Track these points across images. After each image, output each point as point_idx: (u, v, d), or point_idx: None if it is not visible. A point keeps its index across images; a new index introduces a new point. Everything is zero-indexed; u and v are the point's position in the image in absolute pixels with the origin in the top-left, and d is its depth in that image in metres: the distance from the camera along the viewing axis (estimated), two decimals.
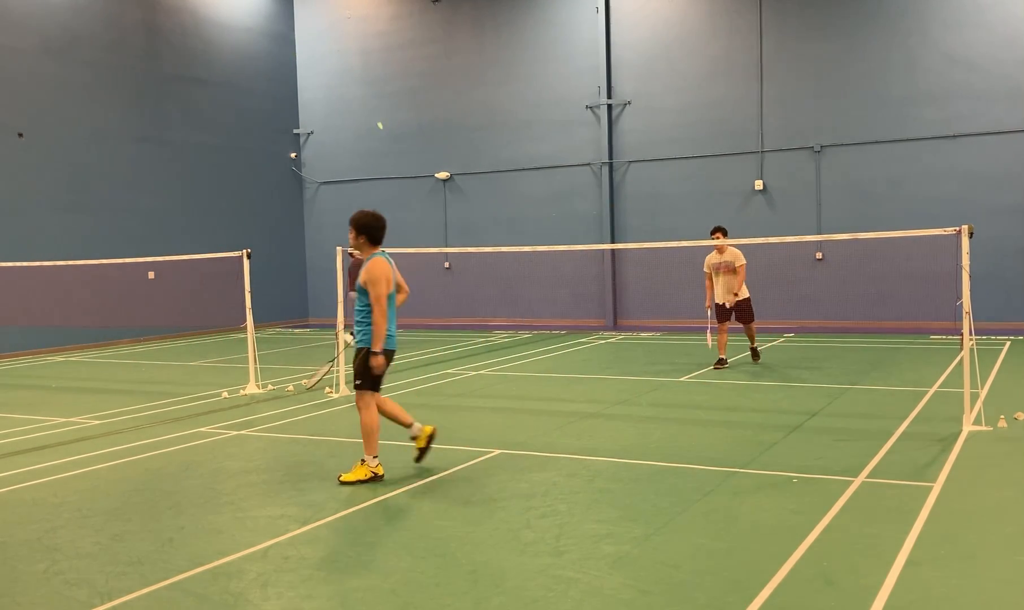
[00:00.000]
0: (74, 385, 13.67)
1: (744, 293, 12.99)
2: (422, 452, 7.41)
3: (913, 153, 17.84)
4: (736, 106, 19.24)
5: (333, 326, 12.45)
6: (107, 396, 12.29)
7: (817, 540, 5.38)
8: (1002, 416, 8.61)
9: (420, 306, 21.68)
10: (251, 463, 7.93)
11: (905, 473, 6.89)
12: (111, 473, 7.73)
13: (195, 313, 20.46)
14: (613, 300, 20.58)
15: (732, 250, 12.97)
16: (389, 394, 11.42)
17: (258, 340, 12.24)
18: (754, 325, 13.34)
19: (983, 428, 8.30)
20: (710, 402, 10.55)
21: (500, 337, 18.83)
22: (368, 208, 7.36)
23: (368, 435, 7.08)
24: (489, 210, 21.84)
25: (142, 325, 19.98)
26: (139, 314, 19.57)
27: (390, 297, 7.09)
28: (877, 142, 18.12)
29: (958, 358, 11.65)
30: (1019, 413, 8.85)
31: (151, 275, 19.68)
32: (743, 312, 13.05)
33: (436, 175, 22.36)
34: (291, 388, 11.97)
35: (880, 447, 7.73)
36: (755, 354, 13.44)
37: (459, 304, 22.03)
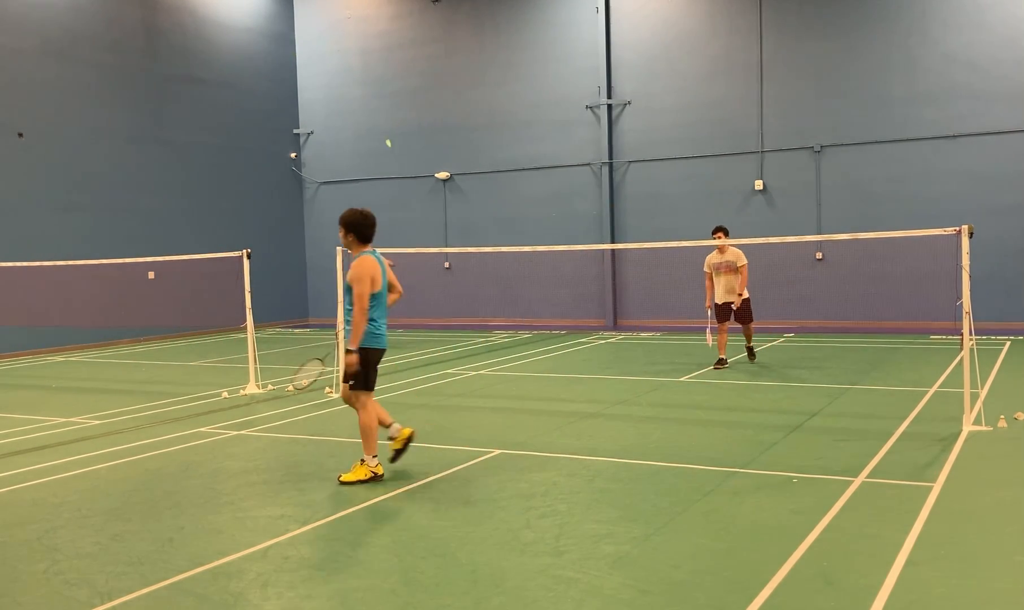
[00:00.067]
0: (74, 385, 13.67)
1: (744, 293, 13.00)
2: (397, 453, 7.36)
3: (913, 153, 17.84)
4: (736, 106, 19.24)
5: (333, 326, 12.47)
6: (107, 396, 12.29)
7: (817, 540, 5.38)
8: (1002, 416, 8.61)
9: (420, 306, 21.72)
10: (251, 463, 7.93)
11: (905, 473, 6.89)
12: (111, 473, 7.73)
13: (195, 313, 20.46)
14: (613, 300, 20.58)
15: (733, 250, 12.97)
16: (389, 394, 11.43)
17: (258, 340, 12.24)
18: (752, 325, 13.36)
19: (983, 428, 8.30)
20: (710, 402, 10.55)
21: (500, 337, 18.83)
22: (359, 207, 7.33)
23: (366, 435, 7.08)
24: (489, 210, 21.84)
25: (142, 325, 19.98)
26: (139, 314, 19.57)
27: (379, 296, 7.06)
28: (877, 142, 18.13)
29: (958, 358, 11.65)
30: (1019, 413, 8.85)
31: (151, 275, 19.68)
32: (743, 312, 13.05)
33: (436, 175, 22.36)
34: (291, 388, 11.95)
35: (880, 447, 7.73)
36: (751, 354, 13.45)
37: (459, 304, 22.03)
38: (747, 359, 13.42)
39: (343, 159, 23.67)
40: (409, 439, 7.32)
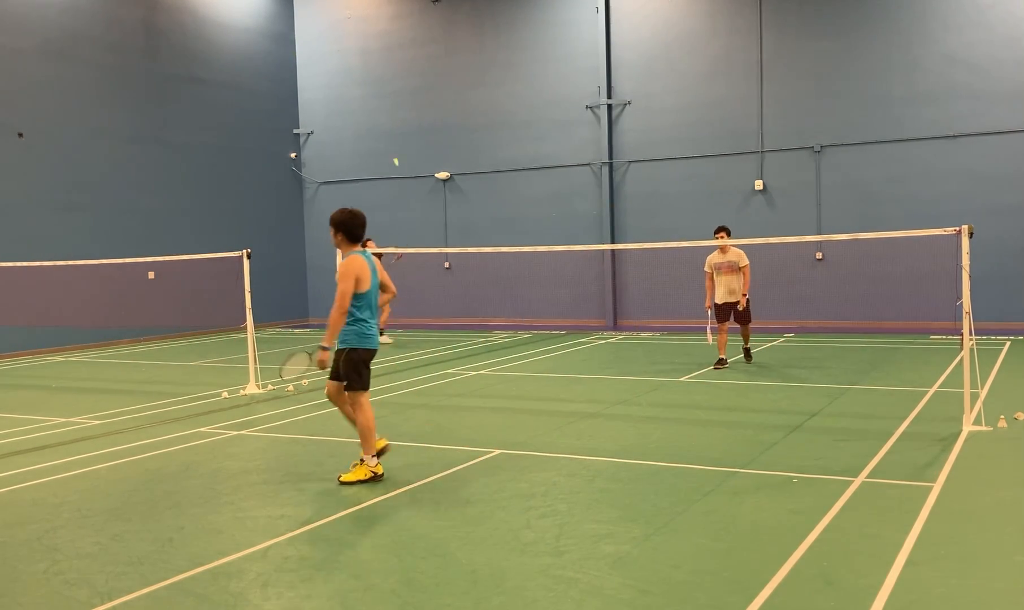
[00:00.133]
0: (74, 385, 13.67)
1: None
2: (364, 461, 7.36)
3: (913, 153, 17.84)
4: (736, 106, 19.24)
5: None
6: (107, 396, 12.29)
7: (817, 540, 5.38)
8: (1002, 416, 8.61)
9: (420, 306, 21.73)
10: (251, 463, 7.93)
11: (905, 473, 6.89)
12: (111, 473, 7.73)
13: (195, 313, 20.46)
14: (613, 300, 20.58)
15: (735, 250, 12.98)
16: (389, 394, 11.44)
17: (258, 340, 12.24)
18: (750, 326, 13.37)
19: (983, 428, 8.30)
20: (710, 402, 10.55)
21: (500, 337, 18.83)
22: (349, 207, 7.32)
23: (365, 435, 7.08)
24: (489, 210, 21.83)
25: (142, 325, 19.98)
26: (139, 314, 19.57)
27: (367, 296, 7.03)
28: (877, 142, 18.13)
29: (958, 358, 11.65)
30: (1019, 413, 8.85)
31: (151, 275, 19.68)
32: (743, 313, 13.05)
33: (436, 175, 22.36)
34: (291, 388, 11.97)
35: (880, 447, 7.73)
36: (748, 354, 13.45)
37: (459, 304, 22.03)
38: (744, 360, 13.41)
39: (343, 159, 23.67)
40: (382, 451, 7.24)
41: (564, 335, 18.88)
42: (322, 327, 21.55)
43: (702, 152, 19.63)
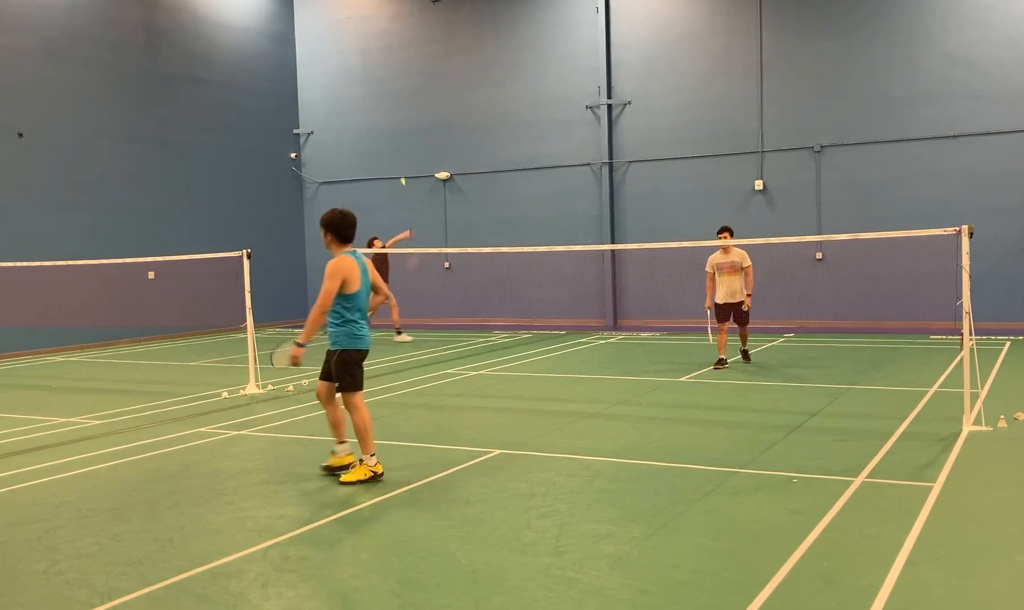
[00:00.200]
0: (74, 385, 13.67)
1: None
2: (326, 469, 7.33)
3: (913, 153, 17.84)
4: (736, 106, 19.24)
5: None
6: (107, 396, 12.29)
7: (817, 540, 5.38)
8: (1002, 416, 8.61)
9: (420, 306, 21.72)
10: (251, 463, 7.93)
11: (905, 473, 6.89)
12: (111, 473, 7.73)
13: (195, 313, 20.46)
14: (613, 300, 20.57)
15: (738, 251, 12.99)
16: (389, 394, 11.44)
17: (258, 340, 12.23)
18: (748, 327, 13.38)
19: (983, 428, 8.30)
20: (710, 402, 10.55)
21: (500, 337, 18.83)
22: (339, 207, 7.32)
23: (362, 435, 7.07)
24: (489, 210, 21.83)
25: (142, 325, 19.98)
26: (139, 314, 19.57)
27: (356, 297, 7.01)
28: (877, 142, 18.12)
29: (958, 358, 11.65)
30: (1019, 413, 8.85)
31: (151, 275, 19.68)
32: (742, 313, 13.05)
33: (436, 175, 22.36)
34: (291, 388, 11.97)
35: (880, 447, 7.73)
36: (745, 356, 13.44)
37: (459, 304, 22.03)
38: (742, 361, 13.41)
39: (343, 159, 23.67)
40: (344, 467, 7.21)
41: (564, 335, 18.88)
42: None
43: (702, 152, 19.63)
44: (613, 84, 20.43)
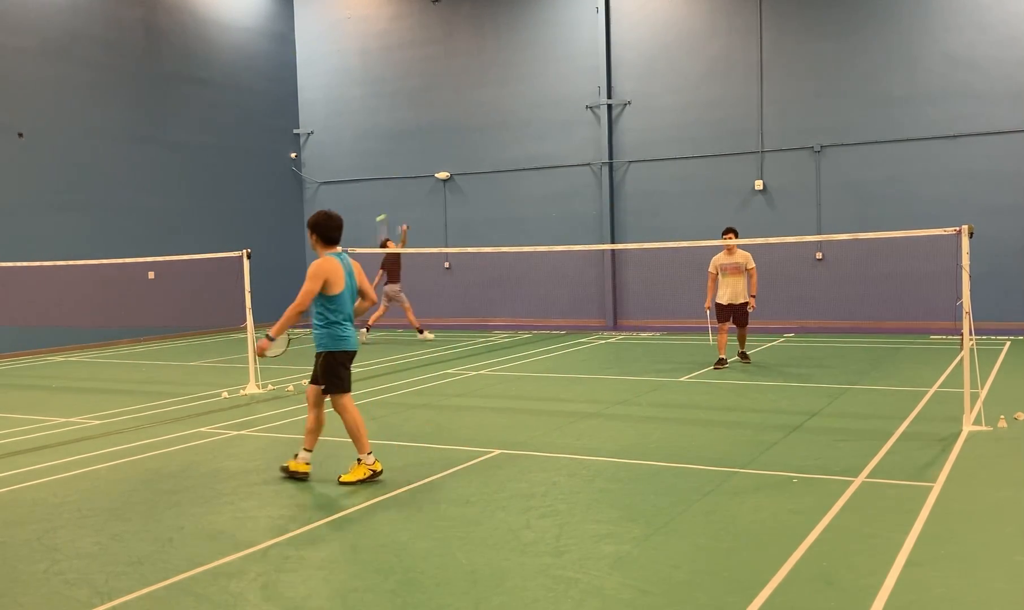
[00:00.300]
0: (74, 385, 13.67)
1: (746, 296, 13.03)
2: (284, 470, 7.30)
3: (913, 153, 17.84)
4: (736, 106, 19.24)
5: None
6: (107, 396, 12.29)
7: (817, 540, 5.38)
8: (1002, 416, 8.61)
9: (420, 306, 21.67)
10: (251, 463, 7.93)
11: (905, 473, 6.89)
12: (111, 473, 7.73)
13: (195, 313, 20.46)
14: (613, 300, 20.57)
15: (742, 252, 13.00)
16: (389, 394, 11.43)
17: (258, 340, 12.22)
18: (747, 329, 13.39)
19: (983, 428, 8.30)
20: (710, 402, 10.55)
21: (500, 337, 18.83)
22: (327, 209, 7.33)
23: (355, 435, 7.07)
24: (489, 210, 21.83)
25: (142, 325, 19.98)
26: (139, 314, 19.57)
27: (339, 299, 6.99)
28: (877, 142, 18.12)
29: (958, 358, 11.66)
30: (1019, 413, 8.85)
31: (151, 275, 19.68)
32: (742, 315, 13.06)
33: (436, 175, 22.36)
34: (291, 388, 11.97)
35: (880, 447, 7.73)
36: (744, 357, 13.44)
37: (459, 304, 22.03)
38: (741, 363, 13.40)
39: (343, 159, 23.68)
40: (302, 475, 7.19)
41: (564, 335, 18.88)
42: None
43: (702, 152, 19.63)
44: (613, 84, 20.43)
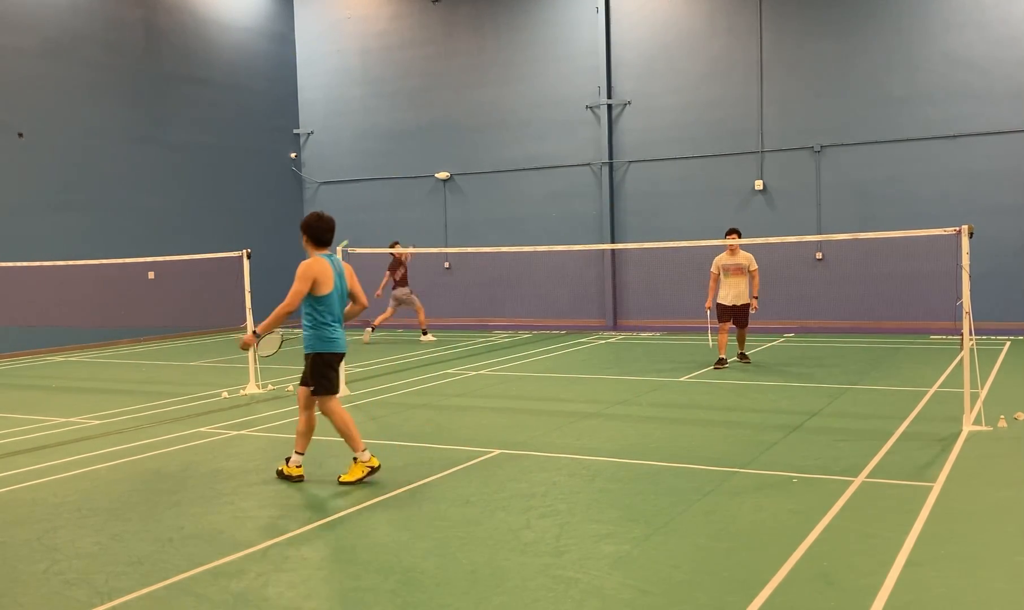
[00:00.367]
0: (74, 385, 13.67)
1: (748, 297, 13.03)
2: (280, 473, 7.31)
3: (913, 153, 17.83)
4: (736, 106, 19.24)
5: None
6: (107, 396, 12.29)
7: (817, 540, 5.38)
8: (1002, 416, 8.61)
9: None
10: (251, 463, 7.93)
11: (905, 473, 6.89)
12: (111, 473, 7.73)
13: (195, 313, 20.45)
14: (613, 300, 20.57)
15: (745, 254, 13.01)
16: (389, 394, 11.43)
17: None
18: (747, 329, 13.39)
19: (983, 428, 8.30)
20: (710, 402, 10.55)
21: (500, 337, 18.83)
22: (319, 211, 7.35)
23: (347, 435, 7.07)
24: (489, 210, 21.83)
25: (142, 325, 19.98)
26: (139, 314, 19.57)
27: (327, 300, 6.98)
28: (877, 142, 18.12)
29: (958, 358, 11.65)
30: (1019, 413, 8.85)
31: (151, 275, 19.67)
32: (744, 315, 13.05)
33: (436, 175, 22.35)
34: (291, 388, 11.96)
35: (880, 447, 7.73)
36: (743, 358, 13.44)
37: (459, 304, 22.02)
38: (740, 363, 13.40)
39: (343, 159, 23.67)
40: (295, 478, 7.18)
41: (564, 335, 18.88)
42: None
43: (702, 152, 19.63)
44: (613, 84, 20.43)
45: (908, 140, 17.84)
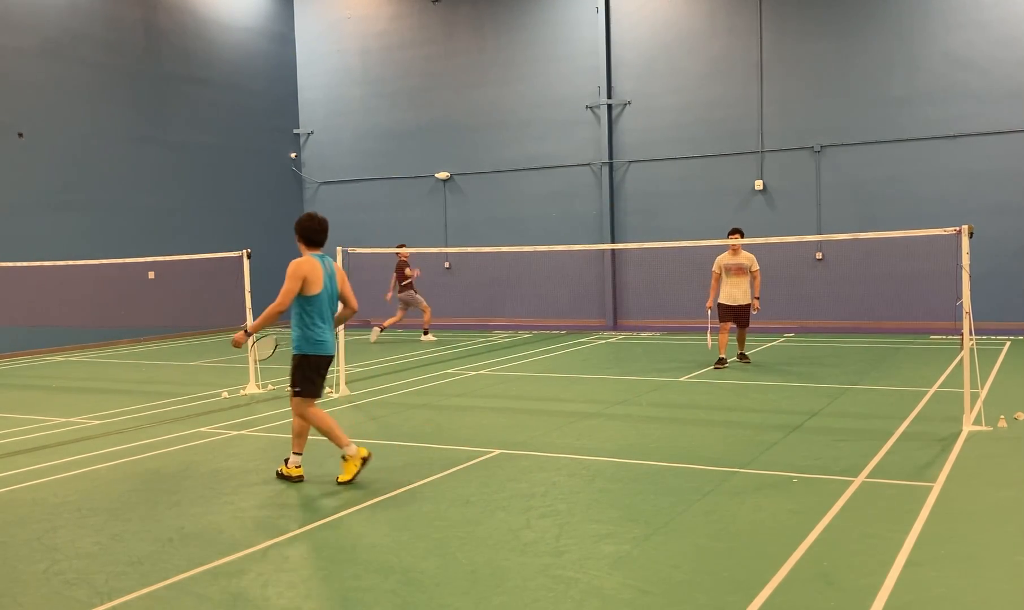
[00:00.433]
0: (74, 385, 13.67)
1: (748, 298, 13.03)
2: (279, 474, 7.31)
3: (913, 153, 17.83)
4: (736, 106, 19.24)
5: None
6: (107, 396, 12.29)
7: (817, 540, 5.38)
8: (1002, 416, 8.61)
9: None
10: (251, 463, 7.93)
11: (905, 473, 6.89)
12: (111, 473, 7.73)
13: (195, 313, 20.45)
14: (613, 300, 20.57)
15: (747, 254, 13.01)
16: (389, 394, 11.43)
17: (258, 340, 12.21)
18: (747, 330, 13.39)
19: (983, 428, 8.30)
20: (710, 402, 10.55)
21: (500, 337, 18.83)
22: (312, 212, 7.35)
23: (329, 435, 7.06)
24: (489, 210, 21.83)
25: (142, 325, 19.97)
26: (139, 314, 19.57)
27: (317, 301, 6.97)
28: (877, 142, 18.12)
29: (958, 358, 11.65)
30: (1019, 413, 8.85)
31: (151, 275, 19.67)
32: (745, 316, 13.05)
33: (436, 175, 22.35)
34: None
35: (880, 447, 7.73)
36: (743, 358, 13.44)
37: (459, 304, 22.02)
38: (740, 363, 13.39)
39: (343, 159, 23.67)
40: (295, 478, 7.17)
41: (564, 335, 18.88)
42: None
43: (702, 152, 19.63)
44: (613, 84, 20.43)
45: (908, 140, 17.84)
